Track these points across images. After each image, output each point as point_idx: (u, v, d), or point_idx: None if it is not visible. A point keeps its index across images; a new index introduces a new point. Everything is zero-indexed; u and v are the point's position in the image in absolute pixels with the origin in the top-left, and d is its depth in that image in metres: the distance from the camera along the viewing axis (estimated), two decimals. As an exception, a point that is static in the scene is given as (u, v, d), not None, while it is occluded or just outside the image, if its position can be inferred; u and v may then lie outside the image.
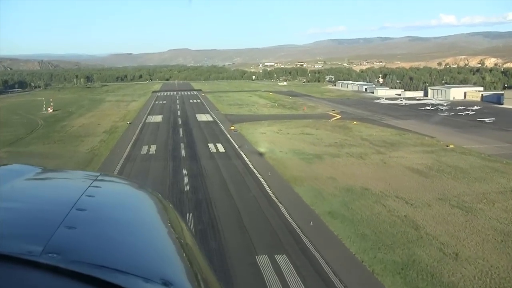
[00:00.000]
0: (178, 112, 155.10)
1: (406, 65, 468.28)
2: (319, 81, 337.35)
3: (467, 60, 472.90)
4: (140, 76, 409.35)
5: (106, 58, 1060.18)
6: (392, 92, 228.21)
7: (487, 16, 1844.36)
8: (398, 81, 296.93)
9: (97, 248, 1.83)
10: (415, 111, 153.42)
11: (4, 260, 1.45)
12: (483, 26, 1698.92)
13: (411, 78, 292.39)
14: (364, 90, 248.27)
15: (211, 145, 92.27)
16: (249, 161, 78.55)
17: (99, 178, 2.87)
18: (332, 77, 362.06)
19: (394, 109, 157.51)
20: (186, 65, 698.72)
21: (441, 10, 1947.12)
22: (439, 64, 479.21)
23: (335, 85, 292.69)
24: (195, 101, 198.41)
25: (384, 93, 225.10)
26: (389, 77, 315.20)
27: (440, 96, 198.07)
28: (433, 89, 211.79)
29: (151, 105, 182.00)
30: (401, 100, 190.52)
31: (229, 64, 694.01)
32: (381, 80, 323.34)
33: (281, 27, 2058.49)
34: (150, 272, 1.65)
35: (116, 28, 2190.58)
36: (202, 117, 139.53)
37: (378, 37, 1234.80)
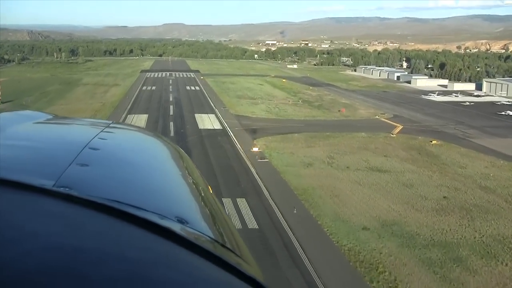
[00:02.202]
0: (171, 109, 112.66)
1: (423, 47, 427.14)
2: (333, 65, 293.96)
3: (488, 44, 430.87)
4: (131, 51, 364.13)
5: (101, 30, 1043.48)
6: (433, 83, 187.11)
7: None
8: (429, 67, 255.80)
9: (110, 185, 1.83)
10: (499, 117, 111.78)
11: (16, 187, 1.45)
12: (480, 9, 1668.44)
13: (443, 64, 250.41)
14: (396, 78, 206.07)
15: (230, 208, 49.71)
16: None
17: (112, 125, 2.87)
18: (347, 59, 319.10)
19: (465, 114, 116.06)
20: (181, 39, 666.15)
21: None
22: (459, 47, 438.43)
23: (355, 71, 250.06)
24: (192, 88, 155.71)
25: (424, 83, 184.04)
26: (415, 61, 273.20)
27: (503, 91, 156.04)
28: (490, 82, 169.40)
29: (136, 93, 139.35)
30: (456, 95, 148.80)
31: (225, 40, 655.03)
32: (404, 64, 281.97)
33: (277, 4, 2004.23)
34: (165, 210, 1.64)
35: (112, 0, 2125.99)
36: (205, 122, 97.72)
37: (376, 17, 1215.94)
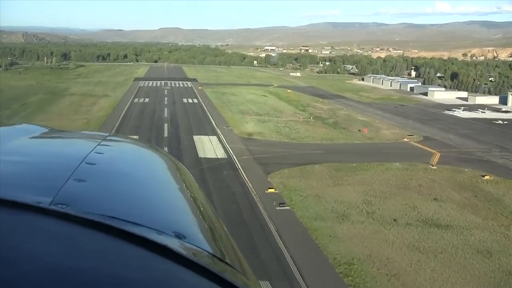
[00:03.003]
0: (165, 128, 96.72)
1: (427, 54, 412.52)
2: (337, 73, 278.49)
3: (495, 52, 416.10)
4: (125, 56, 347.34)
5: (97, 33, 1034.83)
6: (451, 95, 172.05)
7: (481, 6, 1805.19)
8: (438, 75, 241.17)
9: (107, 200, 1.81)
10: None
11: (13, 206, 1.44)
12: (476, 15, 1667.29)
13: (455, 74, 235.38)
14: (409, 89, 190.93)
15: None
16: None
17: (108, 138, 2.84)
18: (352, 67, 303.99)
19: (505, 136, 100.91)
20: (178, 44, 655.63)
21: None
22: (465, 55, 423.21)
23: (363, 80, 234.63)
24: (190, 100, 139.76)
25: (442, 96, 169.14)
26: (424, 70, 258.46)
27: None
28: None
29: (126, 107, 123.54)
30: (483, 111, 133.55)
31: (221, 45, 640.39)
32: (413, 73, 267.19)
33: (274, 8, 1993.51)
34: (162, 225, 1.64)
35: (108, 3, 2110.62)
36: (206, 147, 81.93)
37: (373, 22, 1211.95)
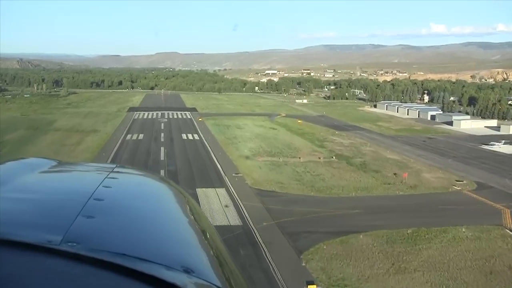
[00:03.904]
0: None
1: (434, 76, 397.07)
2: (346, 98, 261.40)
3: (505, 74, 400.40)
4: (120, 83, 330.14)
5: (94, 59, 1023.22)
6: (479, 124, 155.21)
7: (477, 26, 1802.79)
8: (452, 99, 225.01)
9: (116, 236, 1.83)
10: None
11: (24, 248, 1.46)
12: (473, 37, 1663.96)
13: (473, 98, 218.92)
14: (429, 117, 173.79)
15: None
16: None
17: (116, 170, 2.87)
18: (360, 92, 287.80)
19: None
20: (175, 68, 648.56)
21: (431, 20, 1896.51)
22: (473, 77, 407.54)
23: (375, 106, 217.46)
24: (190, 137, 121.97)
25: (469, 125, 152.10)
26: (438, 94, 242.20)
27: None
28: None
29: (116, 147, 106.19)
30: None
31: (219, 69, 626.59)
32: (425, 98, 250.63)
33: (271, 31, 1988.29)
34: (171, 260, 1.66)
35: (104, 29, 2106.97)
36: (214, 208, 63.43)
37: (370, 44, 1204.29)
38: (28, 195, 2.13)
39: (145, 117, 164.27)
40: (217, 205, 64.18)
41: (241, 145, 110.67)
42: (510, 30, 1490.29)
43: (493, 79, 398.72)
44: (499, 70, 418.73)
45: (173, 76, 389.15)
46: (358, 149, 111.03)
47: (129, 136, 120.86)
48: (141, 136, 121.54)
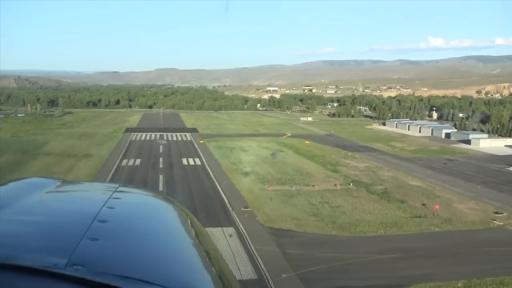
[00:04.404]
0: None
1: (438, 92, 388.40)
2: (352, 116, 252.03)
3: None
4: (117, 102, 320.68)
5: (92, 75, 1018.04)
6: (499, 143, 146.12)
7: (475, 40, 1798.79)
8: (462, 116, 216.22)
9: (121, 259, 1.84)
10: None
11: (31, 273, 1.47)
12: (471, 50, 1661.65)
13: (485, 115, 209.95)
14: (443, 136, 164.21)
15: None
16: None
17: (119, 189, 2.89)
18: (365, 109, 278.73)
19: None
20: (174, 85, 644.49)
21: (429, 33, 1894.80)
22: (478, 92, 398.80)
23: (384, 124, 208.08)
24: (191, 162, 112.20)
25: (488, 144, 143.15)
26: (448, 111, 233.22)
27: None
28: None
29: (111, 175, 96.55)
30: None
31: (219, 86, 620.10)
32: (434, 115, 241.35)
33: (269, 47, 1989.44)
34: (174, 282, 1.67)
35: (103, 45, 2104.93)
36: (222, 250, 52.03)
37: (369, 60, 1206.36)
38: (31, 217, 2.14)
39: (142, 138, 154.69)
40: (227, 250, 53.99)
41: (248, 171, 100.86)
42: (509, 44, 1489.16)
43: (499, 94, 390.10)
44: (506, 84, 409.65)
45: (172, 94, 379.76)
46: (376, 174, 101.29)
47: (125, 162, 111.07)
48: (138, 161, 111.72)
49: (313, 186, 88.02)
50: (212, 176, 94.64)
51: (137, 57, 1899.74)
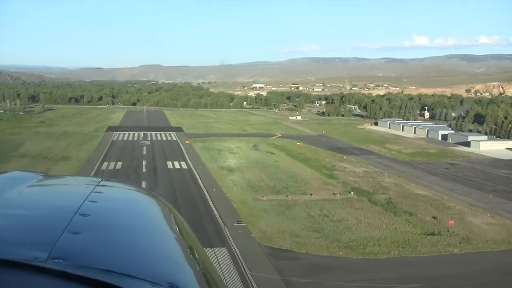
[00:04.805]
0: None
1: (427, 91, 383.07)
2: (342, 115, 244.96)
3: (501, 87, 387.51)
4: (100, 98, 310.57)
5: (76, 71, 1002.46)
6: (500, 146, 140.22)
7: (459, 39, 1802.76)
8: (455, 116, 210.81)
9: (102, 253, 1.85)
10: None
11: (11, 266, 1.47)
12: (455, 49, 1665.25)
13: (479, 115, 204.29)
14: (440, 137, 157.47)
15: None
16: None
17: (101, 183, 2.89)
18: (355, 107, 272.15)
19: None
20: (158, 81, 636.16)
21: (414, 32, 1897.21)
22: (468, 91, 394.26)
23: (376, 124, 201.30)
24: (177, 165, 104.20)
25: (489, 147, 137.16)
26: (441, 110, 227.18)
27: None
28: None
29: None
30: None
31: (203, 82, 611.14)
32: (426, 114, 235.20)
33: (254, 44, 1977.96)
34: (156, 276, 1.68)
35: (88, 41, 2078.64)
36: None
37: (354, 57, 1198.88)
38: (13, 211, 2.12)
39: (125, 138, 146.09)
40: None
41: (238, 177, 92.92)
42: (492, 42, 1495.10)
43: (488, 93, 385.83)
44: (495, 83, 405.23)
45: (157, 90, 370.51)
46: (376, 180, 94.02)
47: (105, 165, 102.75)
48: (119, 164, 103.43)
49: (311, 195, 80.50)
50: (200, 183, 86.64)
51: (122, 53, 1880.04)
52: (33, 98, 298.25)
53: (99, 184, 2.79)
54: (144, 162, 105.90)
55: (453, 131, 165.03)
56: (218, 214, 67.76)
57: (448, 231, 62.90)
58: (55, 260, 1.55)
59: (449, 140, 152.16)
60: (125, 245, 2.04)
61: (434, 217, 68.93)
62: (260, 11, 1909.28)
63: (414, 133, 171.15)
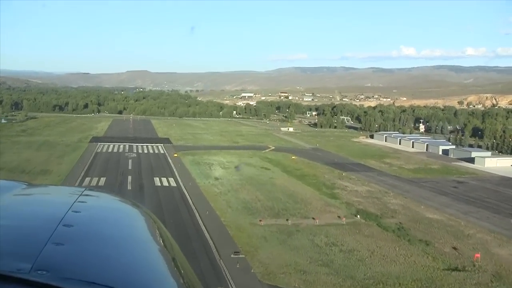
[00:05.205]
0: None
1: (419, 102, 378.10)
2: (335, 127, 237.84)
3: (495, 99, 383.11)
4: (86, 106, 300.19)
5: (62, 77, 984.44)
6: (506, 162, 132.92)
7: (446, 50, 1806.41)
8: (451, 129, 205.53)
9: (86, 264, 1.82)
10: None
11: None
12: (442, 60, 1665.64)
13: (477, 129, 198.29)
14: (440, 152, 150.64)
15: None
16: None
17: (85, 193, 2.87)
18: (348, 119, 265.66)
19: None
20: (145, 88, 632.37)
21: (401, 42, 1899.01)
22: (460, 103, 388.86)
23: (372, 137, 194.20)
24: (165, 182, 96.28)
25: (494, 163, 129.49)
26: (436, 124, 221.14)
27: None
28: None
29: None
30: None
31: (191, 90, 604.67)
32: (421, 127, 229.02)
33: (241, 52, 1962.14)
34: (139, 287, 1.69)
35: (74, 45, 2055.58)
36: None
37: (341, 67, 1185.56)
38: None
39: (109, 150, 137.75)
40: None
41: (232, 196, 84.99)
42: (479, 54, 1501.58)
43: (481, 105, 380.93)
44: (488, 95, 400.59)
45: (144, 98, 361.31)
46: (382, 201, 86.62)
47: (87, 180, 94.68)
48: (102, 180, 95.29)
49: (313, 218, 72.84)
50: (191, 204, 78.60)
51: (109, 59, 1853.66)
52: (17, 105, 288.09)
53: (83, 193, 2.78)
54: (129, 178, 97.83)
55: (453, 146, 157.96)
56: (213, 242, 59.84)
57: (474, 265, 55.48)
58: (39, 272, 1.53)
59: (451, 156, 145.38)
60: (109, 256, 2.01)
61: (455, 248, 61.52)
62: (247, 19, 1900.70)
63: (412, 147, 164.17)
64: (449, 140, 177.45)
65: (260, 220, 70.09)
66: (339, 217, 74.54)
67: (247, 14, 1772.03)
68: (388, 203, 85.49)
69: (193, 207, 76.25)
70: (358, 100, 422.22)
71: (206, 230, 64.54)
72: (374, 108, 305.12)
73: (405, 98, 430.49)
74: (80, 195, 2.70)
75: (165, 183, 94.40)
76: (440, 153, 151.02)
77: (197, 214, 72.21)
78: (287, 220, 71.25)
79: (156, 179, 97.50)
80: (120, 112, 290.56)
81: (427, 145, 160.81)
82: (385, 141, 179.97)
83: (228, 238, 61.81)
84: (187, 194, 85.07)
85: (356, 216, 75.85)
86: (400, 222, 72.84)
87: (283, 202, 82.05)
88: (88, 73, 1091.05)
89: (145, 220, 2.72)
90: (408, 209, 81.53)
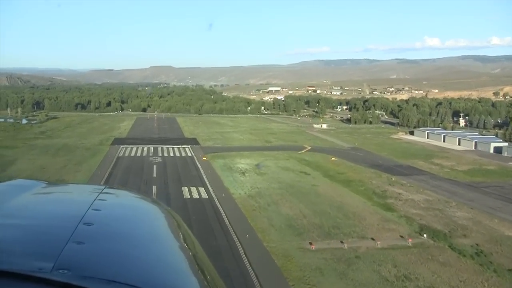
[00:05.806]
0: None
1: (453, 94, 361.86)
2: (370, 122, 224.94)
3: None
4: (109, 104, 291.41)
5: (86, 74, 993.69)
6: None
7: (471, 40, 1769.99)
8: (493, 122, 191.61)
9: (106, 263, 1.84)
10: None
11: (15, 278, 1.47)
12: (467, 50, 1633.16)
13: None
14: (492, 150, 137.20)
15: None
16: None
17: (105, 191, 2.88)
18: (382, 113, 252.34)
19: None
20: (169, 84, 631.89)
21: (425, 33, 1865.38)
22: (496, 94, 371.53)
23: (412, 133, 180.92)
24: (195, 194, 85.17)
25: None
26: (478, 118, 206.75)
27: None
28: None
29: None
30: None
31: (215, 85, 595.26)
32: (461, 122, 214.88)
33: (264, 46, 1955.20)
34: (161, 285, 1.68)
35: (98, 42, 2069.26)
36: None
37: (365, 59, 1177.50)
38: (16, 221, 2.11)
39: (132, 154, 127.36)
40: None
41: (273, 211, 73.54)
42: (505, 43, 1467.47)
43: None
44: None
45: (168, 94, 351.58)
46: (446, 214, 74.52)
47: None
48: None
49: (373, 239, 61.24)
50: (227, 223, 67.20)
51: (132, 55, 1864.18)
52: (38, 105, 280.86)
53: (103, 191, 2.78)
54: (154, 188, 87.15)
55: (505, 143, 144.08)
56: (257, 279, 48.36)
57: None
58: (60, 271, 1.55)
59: (505, 154, 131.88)
60: (129, 254, 2.02)
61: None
62: (269, 13, 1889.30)
63: (459, 144, 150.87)
64: (496, 135, 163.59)
65: (310, 244, 58.57)
66: (402, 236, 62.87)
67: (269, 7, 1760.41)
68: (453, 216, 73.44)
69: (229, 228, 64.87)
70: (388, 93, 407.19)
71: (248, 261, 53.11)
72: (407, 101, 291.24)
73: (437, 90, 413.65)
74: (100, 193, 2.71)
75: (195, 195, 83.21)
76: (492, 151, 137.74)
77: (235, 237, 60.91)
78: (341, 242, 59.72)
79: (185, 190, 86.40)
80: (144, 110, 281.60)
81: (475, 142, 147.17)
82: (427, 137, 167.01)
83: (275, 270, 50.58)
84: (221, 210, 73.78)
85: (421, 235, 64.00)
86: (476, 244, 60.85)
87: (333, 218, 70.51)
88: (112, 70, 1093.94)
89: (166, 218, 2.70)
90: (479, 224, 69.39)
